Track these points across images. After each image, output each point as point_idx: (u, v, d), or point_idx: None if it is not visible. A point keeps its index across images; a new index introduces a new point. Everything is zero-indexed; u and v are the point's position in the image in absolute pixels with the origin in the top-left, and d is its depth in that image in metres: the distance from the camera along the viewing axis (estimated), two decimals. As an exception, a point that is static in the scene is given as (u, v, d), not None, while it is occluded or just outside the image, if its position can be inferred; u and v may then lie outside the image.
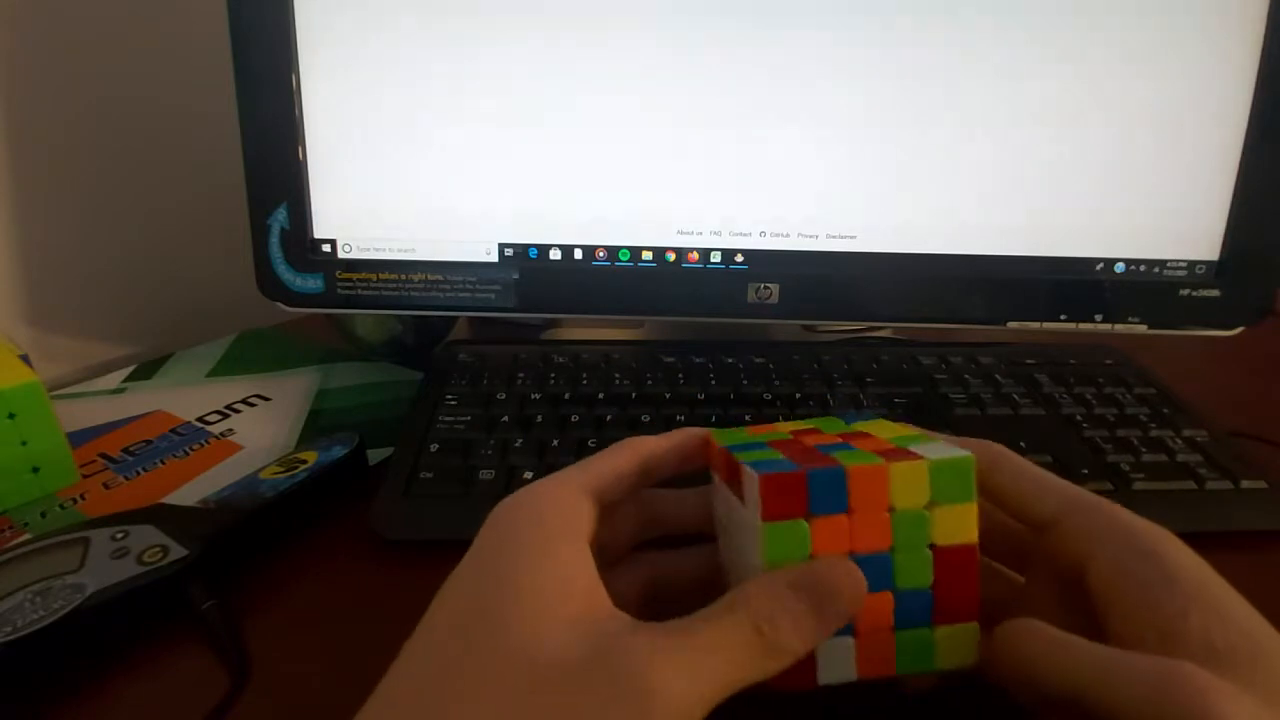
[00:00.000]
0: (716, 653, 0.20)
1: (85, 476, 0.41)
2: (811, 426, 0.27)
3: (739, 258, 0.46)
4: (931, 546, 0.22)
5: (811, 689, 0.22)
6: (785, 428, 0.28)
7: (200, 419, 0.47)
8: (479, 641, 0.20)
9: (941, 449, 0.23)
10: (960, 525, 0.22)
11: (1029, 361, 0.49)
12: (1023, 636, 0.21)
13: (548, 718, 0.18)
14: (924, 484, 0.22)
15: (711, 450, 0.27)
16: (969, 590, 0.23)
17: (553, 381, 0.45)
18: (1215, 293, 0.45)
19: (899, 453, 0.23)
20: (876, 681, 0.22)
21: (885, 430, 0.26)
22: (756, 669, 0.20)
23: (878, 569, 0.22)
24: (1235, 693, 0.18)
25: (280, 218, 0.44)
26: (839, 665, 0.22)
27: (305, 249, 0.45)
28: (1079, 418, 0.43)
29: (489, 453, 0.39)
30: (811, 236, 0.45)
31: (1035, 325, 0.46)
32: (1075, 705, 0.20)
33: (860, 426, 0.27)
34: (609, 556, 0.27)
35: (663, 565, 0.28)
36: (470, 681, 0.19)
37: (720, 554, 0.28)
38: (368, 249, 0.45)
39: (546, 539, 0.22)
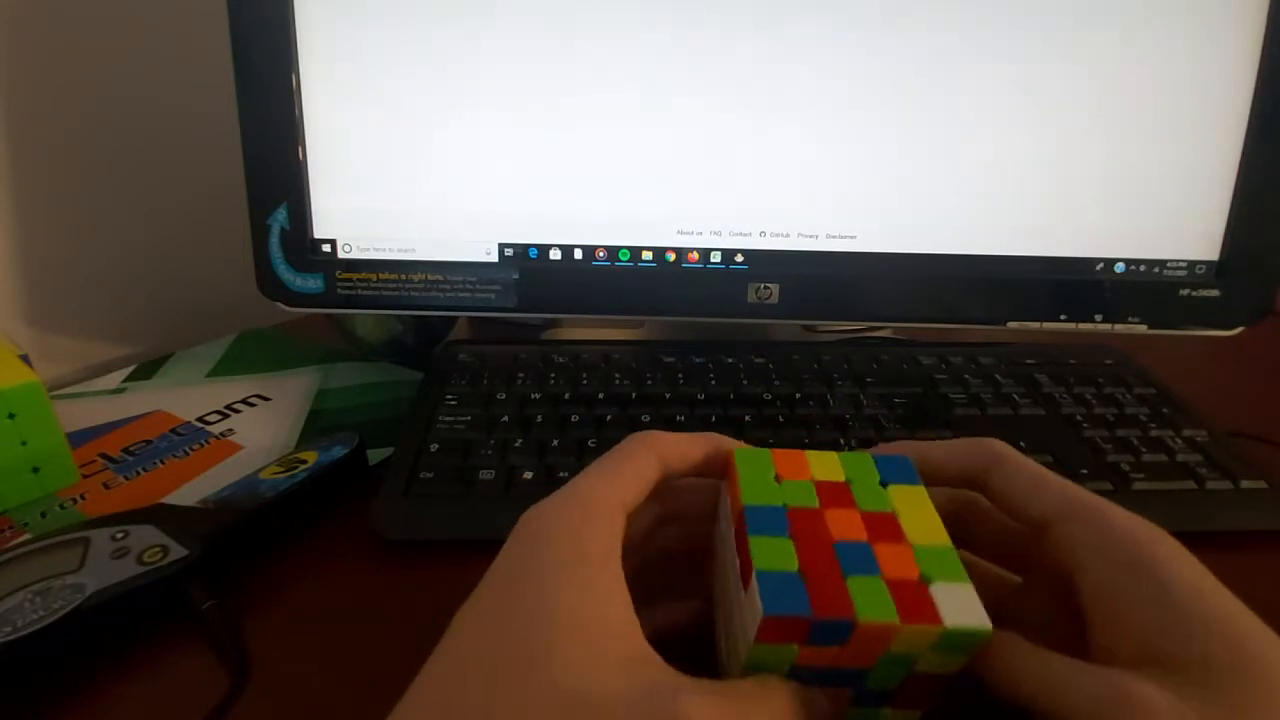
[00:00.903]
0: (757, 714, 0.20)
1: (85, 476, 0.41)
2: (843, 478, 0.25)
3: (739, 258, 0.46)
4: (910, 672, 0.22)
5: None
6: (814, 468, 0.25)
7: (200, 419, 0.47)
8: (517, 672, 0.19)
9: (965, 602, 0.21)
10: (946, 664, 0.22)
11: (1029, 361, 0.49)
12: (1000, 649, 0.22)
13: None
14: (930, 642, 0.21)
15: (732, 475, 0.25)
16: (931, 694, 0.23)
17: (553, 381, 0.45)
18: (1215, 293, 0.45)
19: (919, 598, 0.21)
20: None
21: (918, 523, 0.23)
22: None
23: (853, 678, 0.22)
24: (1175, 707, 0.18)
25: (280, 218, 0.44)
26: None
27: (305, 249, 0.45)
28: (1079, 418, 0.43)
29: (489, 453, 0.39)
30: (811, 236, 0.45)
31: (1035, 325, 0.46)
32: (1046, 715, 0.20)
33: (895, 497, 0.24)
34: (631, 558, 0.26)
35: (660, 619, 0.27)
36: (509, 702, 0.19)
37: (714, 540, 0.27)
38: (368, 249, 0.45)
39: (582, 563, 0.21)
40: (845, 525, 0.23)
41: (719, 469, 0.26)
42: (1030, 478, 0.25)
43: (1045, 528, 0.24)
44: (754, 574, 0.21)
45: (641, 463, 0.25)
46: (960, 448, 0.26)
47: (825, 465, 0.25)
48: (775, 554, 0.22)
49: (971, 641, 0.21)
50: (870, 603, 0.21)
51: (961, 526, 0.27)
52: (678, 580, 0.28)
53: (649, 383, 0.45)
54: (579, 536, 0.22)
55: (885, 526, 0.23)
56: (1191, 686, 0.19)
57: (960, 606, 0.21)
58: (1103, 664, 0.21)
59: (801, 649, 0.21)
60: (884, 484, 0.25)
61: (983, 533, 0.27)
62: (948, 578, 0.21)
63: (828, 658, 0.21)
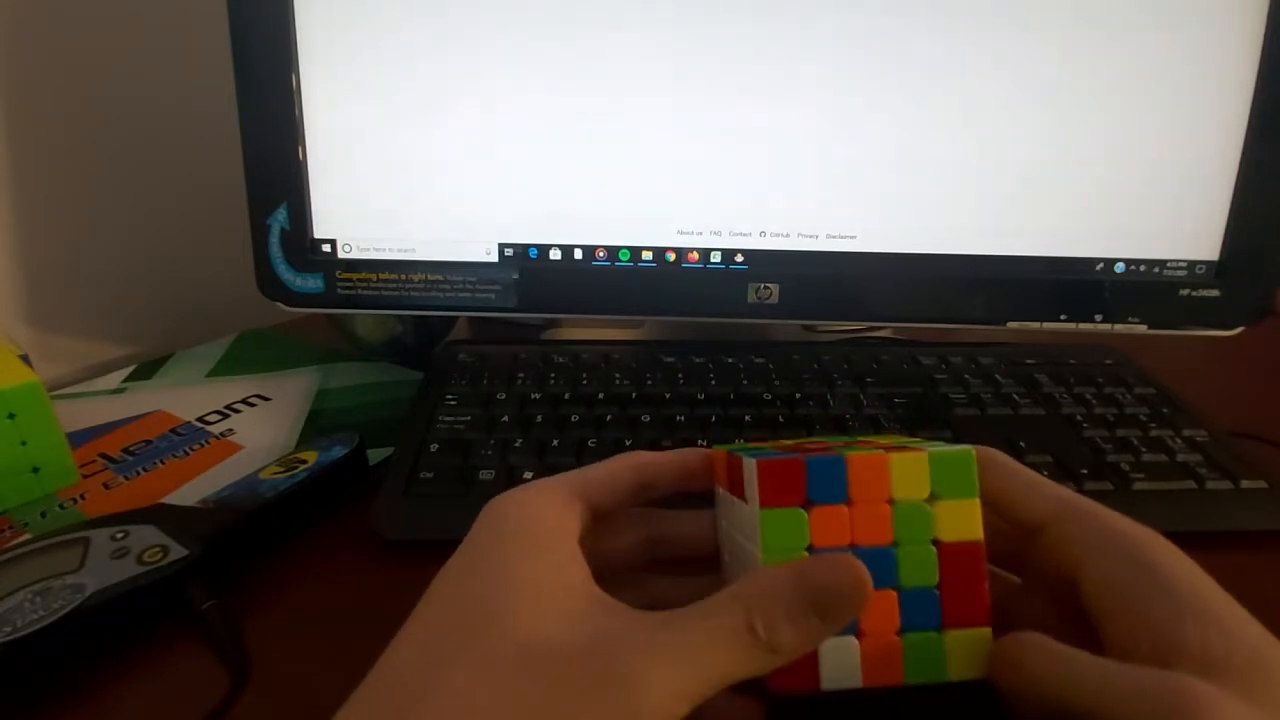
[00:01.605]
0: (709, 646, 0.20)
1: (85, 476, 0.41)
2: (817, 442, 0.27)
3: (739, 258, 0.46)
4: (936, 543, 0.22)
5: (814, 693, 0.21)
6: (790, 442, 0.28)
7: (200, 419, 0.47)
8: (472, 628, 0.20)
9: (938, 446, 0.23)
10: (964, 521, 0.22)
11: (1029, 361, 0.49)
12: (1024, 650, 0.21)
13: (535, 699, 0.19)
14: (924, 476, 0.22)
15: (716, 461, 0.26)
16: (978, 591, 0.22)
17: (553, 381, 0.45)
18: (1215, 293, 0.45)
19: (899, 449, 0.23)
20: (884, 693, 0.22)
21: (888, 439, 0.26)
22: (750, 665, 0.20)
23: (881, 564, 0.21)
24: (1235, 705, 0.18)
25: (280, 218, 0.44)
26: (843, 669, 0.21)
27: (305, 249, 0.45)
28: (1079, 418, 0.43)
29: (489, 453, 0.39)
30: (811, 236, 0.45)
31: (1035, 325, 0.46)
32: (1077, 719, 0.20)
33: (864, 438, 0.27)
34: (612, 573, 0.26)
35: (664, 588, 0.27)
36: (468, 665, 0.20)
37: (723, 575, 0.27)
38: (368, 249, 0.45)
39: (539, 535, 0.22)
40: (821, 447, 0.25)
41: (699, 472, 0.27)
42: (1024, 481, 0.25)
43: (1041, 530, 0.23)
44: (743, 462, 0.22)
45: (610, 467, 0.26)
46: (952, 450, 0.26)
47: (800, 440, 0.28)
48: (764, 453, 0.23)
49: (961, 467, 0.22)
50: (856, 452, 0.22)
51: None
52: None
53: (649, 383, 0.45)
54: (534, 514, 0.23)
55: (861, 444, 0.25)
56: (1221, 682, 0.18)
57: (935, 446, 0.23)
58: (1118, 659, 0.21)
59: (810, 516, 0.21)
60: (852, 438, 0.27)
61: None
62: (918, 443, 0.24)
63: (842, 529, 0.21)
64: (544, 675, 0.19)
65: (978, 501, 0.22)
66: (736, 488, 0.24)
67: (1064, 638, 0.22)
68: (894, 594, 0.22)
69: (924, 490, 0.22)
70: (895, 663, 0.22)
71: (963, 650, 0.22)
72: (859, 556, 0.21)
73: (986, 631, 0.22)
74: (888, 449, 0.23)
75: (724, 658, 0.20)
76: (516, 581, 0.21)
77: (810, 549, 0.21)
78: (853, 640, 0.21)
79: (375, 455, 0.42)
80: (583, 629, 0.20)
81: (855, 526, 0.22)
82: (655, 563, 0.28)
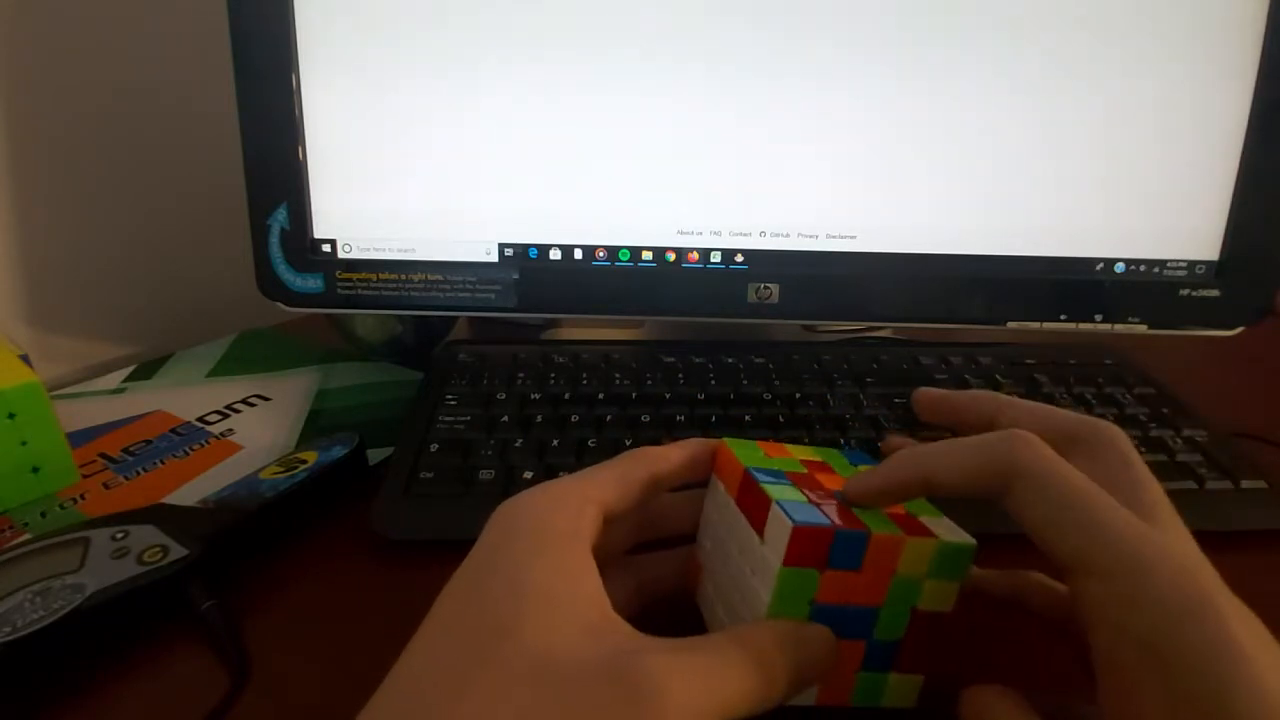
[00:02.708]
0: (723, 680, 0.20)
1: (85, 476, 0.41)
2: (820, 459, 0.29)
3: (739, 258, 0.46)
4: (913, 609, 0.24)
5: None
6: (795, 454, 0.29)
7: (200, 419, 0.47)
8: (488, 642, 0.20)
9: (949, 529, 0.24)
10: (943, 596, 0.24)
11: (1029, 361, 0.49)
12: (985, 704, 0.22)
13: (557, 718, 0.18)
14: (929, 560, 0.24)
15: (724, 459, 0.28)
16: (929, 648, 0.25)
17: (553, 381, 0.45)
18: (1215, 293, 0.45)
19: (913, 524, 0.24)
20: (828, 707, 0.25)
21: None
22: (754, 700, 0.21)
23: (862, 621, 0.24)
24: None
25: (280, 218, 0.44)
26: (803, 694, 0.24)
27: (305, 249, 0.45)
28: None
29: (489, 453, 0.39)
30: (811, 236, 0.45)
31: (1035, 325, 0.46)
32: None
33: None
34: (602, 560, 0.27)
35: (650, 569, 0.28)
36: (481, 682, 0.19)
37: (700, 553, 0.28)
38: (368, 249, 0.45)
39: (552, 543, 0.22)
40: (835, 484, 0.26)
41: (707, 466, 0.28)
42: (1055, 502, 0.20)
43: (1068, 574, 0.20)
44: (773, 505, 0.23)
45: (622, 468, 0.26)
46: (974, 456, 0.22)
47: (802, 452, 0.29)
48: (788, 493, 0.24)
49: (961, 557, 0.24)
50: (877, 524, 0.23)
51: (1019, 605, 0.27)
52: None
53: (649, 383, 0.45)
54: (547, 521, 0.23)
55: None
56: None
57: (947, 530, 0.24)
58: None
59: (822, 576, 0.23)
60: (854, 465, 0.29)
61: (1041, 605, 0.26)
62: (929, 514, 0.25)
63: (844, 590, 0.23)
64: (564, 693, 0.19)
65: (959, 584, 0.24)
66: (751, 512, 0.25)
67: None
68: (863, 644, 0.24)
69: (923, 570, 0.24)
70: (845, 692, 0.25)
71: (901, 687, 0.25)
72: (849, 613, 0.23)
73: (920, 678, 0.25)
74: (902, 523, 0.24)
75: (736, 689, 0.20)
76: (530, 590, 0.21)
77: (812, 603, 0.23)
78: None
79: (375, 455, 0.42)
80: (601, 645, 0.20)
81: (856, 589, 0.23)
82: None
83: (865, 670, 0.24)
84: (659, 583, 0.28)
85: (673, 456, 0.27)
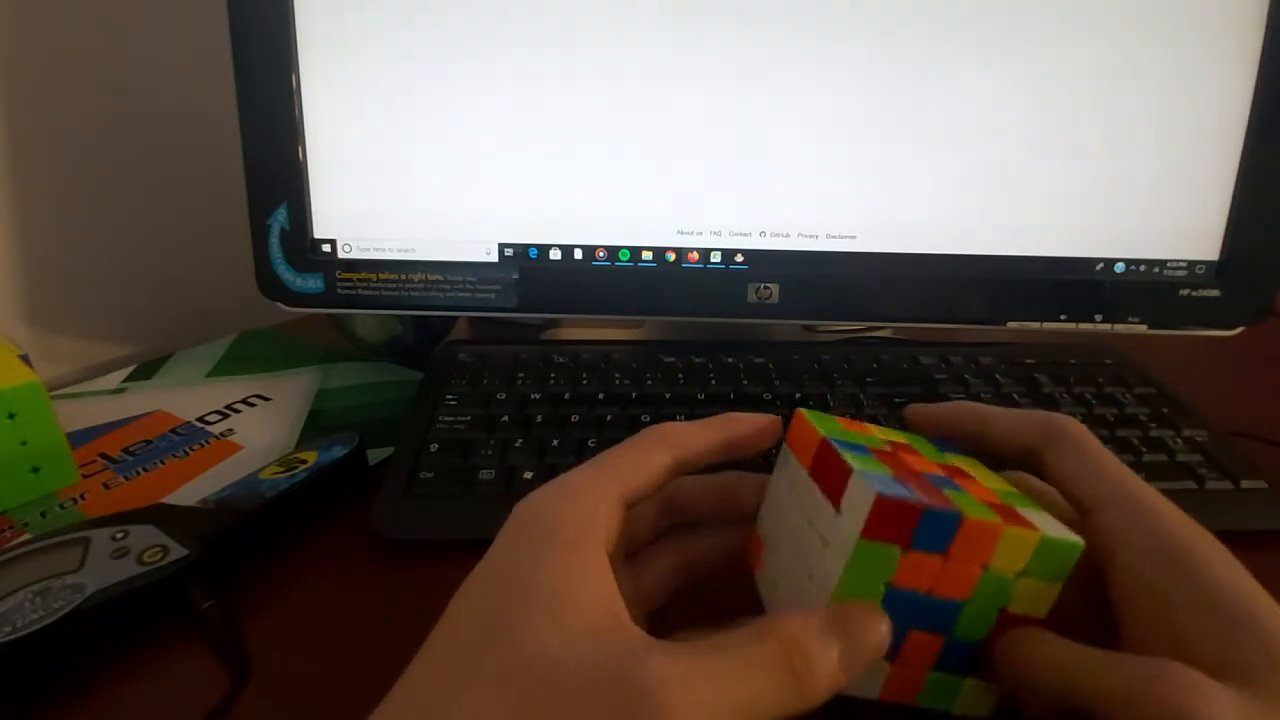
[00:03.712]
0: (743, 678, 0.19)
1: (85, 476, 0.41)
2: (905, 441, 0.26)
3: (739, 258, 0.46)
4: (1002, 610, 0.22)
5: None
6: (878, 433, 0.26)
7: (200, 419, 0.47)
8: (496, 643, 0.20)
9: (1052, 524, 0.22)
10: (1038, 599, 0.22)
11: (1029, 361, 0.49)
12: (1023, 640, 0.21)
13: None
14: (1027, 553, 0.21)
15: (799, 428, 0.25)
16: None
17: (553, 381, 0.45)
18: (1215, 293, 0.45)
19: (1011, 514, 0.22)
20: (892, 704, 0.23)
21: (984, 475, 0.25)
22: (780, 702, 0.19)
23: (944, 614, 0.22)
24: (1226, 695, 0.18)
25: (280, 218, 0.44)
26: (867, 682, 0.22)
27: (305, 249, 0.45)
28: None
29: (489, 453, 0.39)
30: (811, 236, 0.45)
31: (1035, 325, 0.46)
32: (1074, 708, 0.20)
33: (955, 461, 0.26)
34: (631, 546, 0.26)
35: (693, 548, 0.27)
36: (485, 682, 0.19)
37: (761, 529, 0.26)
38: (368, 249, 0.45)
39: (566, 544, 0.21)
40: (921, 465, 0.24)
41: (744, 448, 0.26)
42: (1088, 459, 0.24)
43: (1089, 512, 0.23)
44: (853, 474, 0.21)
45: (644, 453, 0.25)
46: (1024, 420, 0.26)
47: (885, 432, 0.27)
48: (870, 464, 0.22)
49: (1064, 558, 0.21)
50: (971, 508, 0.21)
51: None
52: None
53: (649, 383, 0.45)
54: (558, 522, 0.22)
55: (956, 472, 0.24)
56: (1240, 684, 0.18)
57: (1049, 525, 0.22)
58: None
59: (902, 557, 0.21)
60: (941, 451, 0.26)
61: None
62: (1029, 508, 0.23)
63: (926, 577, 0.21)
64: (558, 695, 0.18)
65: (1058, 588, 0.22)
66: (826, 482, 0.23)
67: (1089, 628, 0.22)
68: (941, 639, 0.22)
69: (1019, 566, 0.21)
70: (914, 689, 0.22)
71: (976, 695, 0.23)
72: (929, 604, 0.21)
73: (998, 687, 0.22)
74: (999, 511, 0.22)
75: (756, 691, 0.19)
76: (539, 594, 0.20)
77: (888, 585, 0.21)
78: (885, 665, 0.22)
79: (375, 455, 0.42)
80: (604, 647, 0.19)
81: (940, 577, 0.21)
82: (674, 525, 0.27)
83: (939, 670, 0.22)
84: (705, 559, 0.27)
85: (699, 436, 0.25)
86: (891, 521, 0.20)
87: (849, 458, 0.22)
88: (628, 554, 0.26)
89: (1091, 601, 0.22)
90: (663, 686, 0.18)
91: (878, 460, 0.23)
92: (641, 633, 0.20)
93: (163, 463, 0.42)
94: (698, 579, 0.27)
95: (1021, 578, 0.22)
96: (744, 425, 0.26)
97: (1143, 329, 0.46)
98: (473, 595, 0.22)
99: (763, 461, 0.28)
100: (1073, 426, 0.26)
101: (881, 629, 0.21)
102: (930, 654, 0.22)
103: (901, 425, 0.29)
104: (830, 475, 0.23)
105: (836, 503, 0.22)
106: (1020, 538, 0.21)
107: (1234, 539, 0.22)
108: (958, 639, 0.22)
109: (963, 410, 0.28)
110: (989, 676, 0.22)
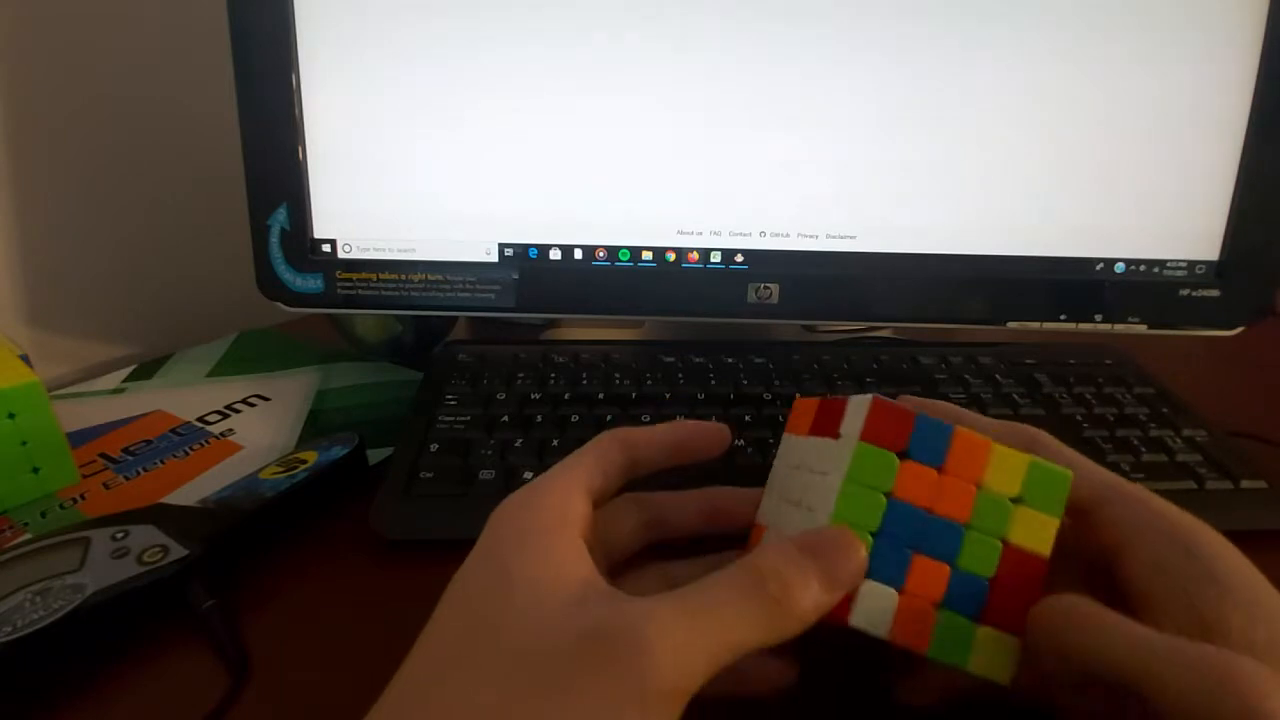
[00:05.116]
0: (719, 610, 0.19)
1: (85, 476, 0.41)
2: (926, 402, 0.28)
3: (739, 258, 0.46)
4: (1004, 541, 0.22)
5: (841, 625, 0.22)
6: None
7: (200, 419, 0.47)
8: (472, 630, 0.20)
9: (1043, 460, 0.23)
10: (1038, 534, 0.23)
11: (1029, 361, 0.49)
12: (1071, 612, 0.21)
13: (540, 693, 0.18)
14: (1019, 476, 0.22)
15: (798, 410, 0.27)
16: (1025, 600, 0.22)
17: (553, 381, 0.45)
18: (1215, 293, 0.45)
19: (1004, 442, 0.23)
20: (905, 652, 0.22)
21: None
22: (761, 630, 0.19)
23: (947, 537, 0.22)
24: None
25: (280, 218, 0.44)
26: (875, 614, 0.22)
27: (305, 249, 0.45)
28: (1079, 418, 0.43)
29: (489, 453, 0.39)
30: (811, 236, 0.45)
31: (1035, 325, 0.46)
32: (1117, 687, 0.19)
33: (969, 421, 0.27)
34: (615, 557, 0.27)
35: (684, 571, 0.27)
36: (472, 666, 0.20)
37: (761, 516, 0.27)
38: (368, 249, 0.45)
39: (540, 531, 0.22)
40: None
41: (698, 452, 0.28)
42: (1075, 462, 0.25)
43: (1087, 511, 0.24)
44: (850, 398, 0.23)
45: (599, 450, 0.26)
46: (1001, 427, 0.27)
47: None
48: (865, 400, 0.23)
49: (1055, 485, 0.22)
50: (963, 430, 0.22)
51: None
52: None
53: (649, 383, 0.45)
54: (533, 515, 0.23)
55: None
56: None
57: (1040, 460, 0.23)
58: None
59: (901, 466, 0.22)
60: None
61: None
62: (1015, 450, 0.23)
63: (925, 490, 0.22)
64: (547, 667, 0.19)
65: (1058, 522, 0.23)
66: (824, 427, 0.24)
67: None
68: (947, 568, 0.22)
69: (1014, 489, 0.22)
70: (925, 631, 0.22)
71: (990, 648, 0.22)
72: (930, 523, 0.22)
73: (1017, 641, 0.22)
74: (988, 439, 0.23)
75: (736, 620, 0.19)
76: (518, 578, 0.21)
77: (889, 495, 0.22)
78: (892, 592, 0.22)
79: (375, 455, 0.42)
80: (584, 613, 0.20)
81: (938, 493, 0.22)
82: (659, 546, 0.28)
83: (948, 608, 0.22)
84: (678, 525, 0.28)
85: (653, 437, 0.27)
86: (888, 425, 0.22)
87: (846, 400, 0.23)
88: (613, 565, 0.26)
89: (1098, 595, 0.22)
90: (642, 625, 0.18)
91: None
92: (617, 591, 0.21)
93: (163, 463, 0.42)
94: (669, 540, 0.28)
95: (1019, 505, 0.22)
96: (695, 430, 0.28)
97: (1142, 329, 0.46)
98: (458, 590, 0.22)
99: (720, 467, 0.30)
100: (1047, 436, 0.26)
101: (859, 551, 0.21)
102: (938, 584, 0.22)
103: None
104: (829, 416, 0.24)
105: (836, 432, 0.23)
106: (1010, 457, 0.22)
107: (1234, 539, 0.22)
108: (964, 571, 0.22)
109: (935, 409, 0.28)
110: (1000, 624, 0.22)
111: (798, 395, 0.28)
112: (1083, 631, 0.21)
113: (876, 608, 0.22)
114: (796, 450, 0.26)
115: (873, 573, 0.22)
